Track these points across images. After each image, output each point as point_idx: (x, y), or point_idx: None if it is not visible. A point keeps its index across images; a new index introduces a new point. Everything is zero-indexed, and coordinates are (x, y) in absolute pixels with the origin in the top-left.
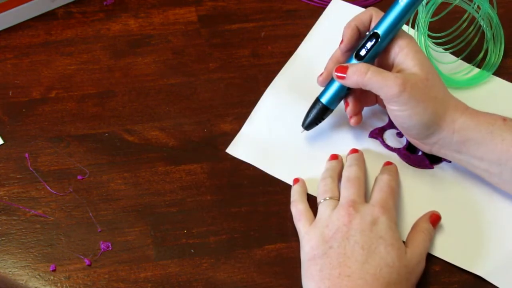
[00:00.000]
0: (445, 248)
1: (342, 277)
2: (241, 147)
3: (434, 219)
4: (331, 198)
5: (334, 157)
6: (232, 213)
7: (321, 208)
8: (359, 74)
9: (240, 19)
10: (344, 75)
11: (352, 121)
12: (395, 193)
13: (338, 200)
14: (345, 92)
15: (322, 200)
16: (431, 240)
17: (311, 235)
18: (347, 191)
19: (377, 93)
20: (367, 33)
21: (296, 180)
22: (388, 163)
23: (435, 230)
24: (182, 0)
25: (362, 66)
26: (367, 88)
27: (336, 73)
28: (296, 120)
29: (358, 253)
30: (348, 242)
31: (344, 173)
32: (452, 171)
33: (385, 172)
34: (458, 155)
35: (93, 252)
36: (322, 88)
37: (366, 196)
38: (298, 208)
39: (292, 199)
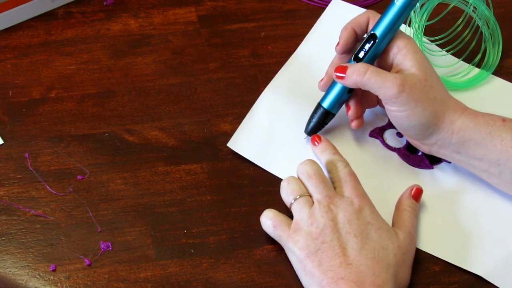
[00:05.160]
0: (445, 248)
1: (344, 265)
2: (241, 142)
3: (416, 194)
4: (301, 195)
5: None
6: (232, 213)
7: (296, 208)
8: (358, 74)
9: (240, 19)
10: (344, 75)
11: (353, 124)
12: (357, 177)
13: (309, 195)
14: (346, 96)
15: (293, 201)
16: (417, 216)
17: (296, 237)
18: (317, 187)
19: (375, 93)
20: (365, 35)
21: None
22: (316, 139)
23: (419, 204)
24: (182, 0)
25: (361, 66)
26: (366, 88)
27: (335, 73)
28: (295, 119)
29: (353, 241)
30: (340, 234)
31: (302, 172)
32: (452, 171)
33: (333, 158)
34: (458, 155)
35: (93, 252)
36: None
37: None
38: (269, 216)
39: (261, 216)
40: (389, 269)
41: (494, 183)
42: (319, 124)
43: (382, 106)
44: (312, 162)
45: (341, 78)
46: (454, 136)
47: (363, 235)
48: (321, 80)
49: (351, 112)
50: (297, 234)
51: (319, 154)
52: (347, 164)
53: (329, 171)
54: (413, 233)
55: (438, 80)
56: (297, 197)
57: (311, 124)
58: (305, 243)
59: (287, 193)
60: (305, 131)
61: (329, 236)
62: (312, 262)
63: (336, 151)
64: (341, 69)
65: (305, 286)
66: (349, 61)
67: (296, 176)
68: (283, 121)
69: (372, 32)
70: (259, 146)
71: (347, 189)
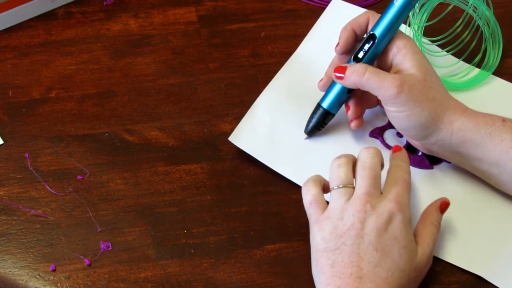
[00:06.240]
0: (445, 248)
1: (354, 278)
2: (242, 137)
3: (444, 207)
4: (345, 186)
5: None
6: (232, 213)
7: (334, 196)
8: (357, 75)
9: (240, 19)
10: (343, 75)
11: (353, 124)
12: (410, 187)
13: (352, 187)
14: (345, 96)
15: (335, 187)
16: (439, 231)
17: (323, 225)
18: (363, 181)
19: (374, 94)
20: (365, 35)
21: None
22: (397, 148)
23: (442, 217)
24: (182, 0)
25: (360, 66)
26: (365, 89)
27: (335, 73)
28: (295, 118)
29: (371, 255)
30: (363, 241)
31: (361, 158)
32: (452, 171)
33: (399, 163)
34: (457, 156)
35: (93, 252)
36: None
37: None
38: (311, 192)
39: (305, 182)
40: None
41: (494, 184)
42: (319, 124)
43: (382, 106)
44: (376, 153)
45: (340, 78)
46: (453, 137)
47: (384, 250)
48: (321, 80)
49: (350, 112)
50: (325, 221)
51: (391, 159)
52: (407, 172)
53: (388, 173)
54: (432, 253)
55: (438, 81)
56: (340, 185)
57: (311, 124)
58: (328, 236)
59: (333, 176)
60: (305, 131)
61: (351, 240)
62: (327, 259)
63: (407, 161)
64: (340, 69)
65: (313, 273)
66: (348, 62)
67: (350, 158)
68: (283, 120)
69: (371, 33)
70: (260, 141)
71: (392, 191)
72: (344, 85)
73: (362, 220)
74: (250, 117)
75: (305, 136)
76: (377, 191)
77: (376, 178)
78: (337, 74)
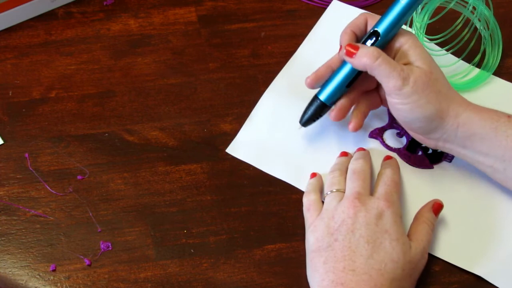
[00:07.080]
0: (446, 248)
1: (347, 271)
2: (241, 147)
3: (437, 208)
4: (337, 190)
5: (344, 154)
6: (232, 213)
7: (327, 200)
8: (370, 57)
9: (240, 19)
10: (355, 52)
11: (350, 126)
12: (398, 187)
13: (344, 192)
14: (344, 89)
15: (329, 192)
16: (433, 231)
17: (316, 226)
18: (353, 183)
19: (380, 81)
20: (369, 30)
21: (313, 175)
22: (388, 157)
23: (437, 219)
24: (182, 0)
25: (375, 50)
26: (373, 73)
27: (347, 48)
28: (295, 121)
29: (363, 247)
30: (353, 235)
31: (350, 166)
32: (452, 171)
33: (387, 166)
34: (463, 150)
35: (93, 252)
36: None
37: (370, 191)
38: (310, 198)
39: (306, 190)
40: (392, 283)
41: (498, 179)
42: (315, 116)
43: (386, 106)
44: (365, 161)
45: (351, 55)
46: (459, 130)
47: (376, 243)
48: (308, 77)
49: (355, 111)
50: (318, 223)
51: (381, 166)
52: (395, 173)
53: (377, 176)
54: (427, 249)
55: (442, 74)
56: (334, 190)
57: (306, 116)
58: (321, 235)
59: (327, 184)
60: (300, 122)
61: (342, 235)
62: (320, 257)
63: (397, 165)
64: (354, 46)
65: (307, 275)
66: None
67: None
68: (282, 125)
69: (375, 29)
70: (259, 150)
71: (380, 190)
72: (352, 64)
73: (352, 215)
74: (248, 126)
75: (299, 126)
76: (365, 191)
77: (365, 180)
78: (350, 49)
